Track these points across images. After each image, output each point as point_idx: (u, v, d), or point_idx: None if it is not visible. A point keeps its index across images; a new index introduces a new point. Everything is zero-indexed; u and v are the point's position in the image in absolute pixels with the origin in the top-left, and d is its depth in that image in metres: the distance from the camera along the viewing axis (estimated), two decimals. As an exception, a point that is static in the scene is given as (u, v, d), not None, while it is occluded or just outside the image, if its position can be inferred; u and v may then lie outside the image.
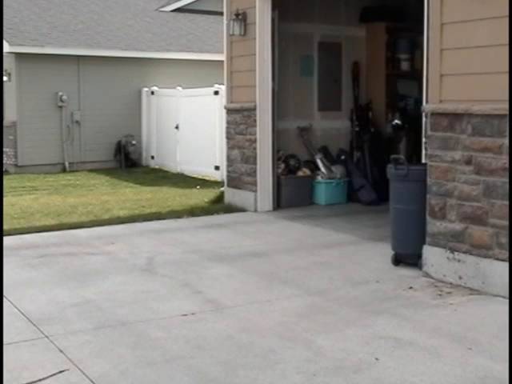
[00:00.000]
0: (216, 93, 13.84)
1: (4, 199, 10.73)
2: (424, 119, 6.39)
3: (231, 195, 10.29)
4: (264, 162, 9.79)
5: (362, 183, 10.53)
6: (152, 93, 16.67)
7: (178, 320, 5.14)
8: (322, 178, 10.40)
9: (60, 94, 15.86)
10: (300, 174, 10.39)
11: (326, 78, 11.02)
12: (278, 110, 9.95)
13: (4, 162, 15.85)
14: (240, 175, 10.12)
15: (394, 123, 11.01)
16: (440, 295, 5.70)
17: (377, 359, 4.33)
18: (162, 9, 20.29)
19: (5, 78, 15.68)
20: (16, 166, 15.65)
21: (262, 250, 7.49)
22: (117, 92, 16.58)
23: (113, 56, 16.44)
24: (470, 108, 5.76)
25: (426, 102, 6.36)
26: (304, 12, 10.69)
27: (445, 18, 5.98)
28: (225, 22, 10.19)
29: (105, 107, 16.43)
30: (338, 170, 10.58)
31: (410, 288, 5.91)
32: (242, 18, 9.73)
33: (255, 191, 9.80)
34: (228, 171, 10.44)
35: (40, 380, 4.07)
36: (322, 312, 5.32)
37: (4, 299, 5.54)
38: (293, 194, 10.10)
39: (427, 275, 6.20)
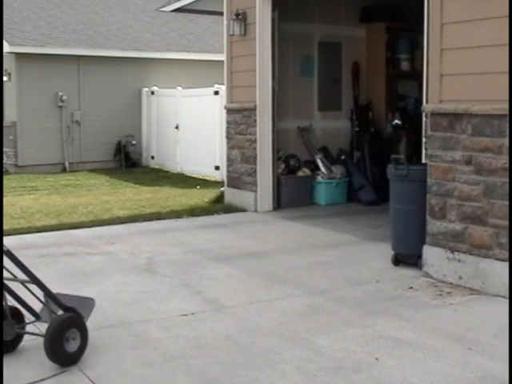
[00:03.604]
0: (216, 93, 13.84)
1: (4, 199, 10.73)
2: (424, 119, 6.39)
3: (231, 195, 10.29)
4: (264, 162, 9.79)
5: (362, 183, 10.53)
6: (152, 93, 16.67)
7: (178, 320, 5.14)
8: (322, 177, 10.40)
9: (60, 93, 15.86)
10: (300, 173, 10.39)
11: (326, 78, 11.02)
12: (278, 110, 9.95)
13: (4, 162, 15.85)
14: (240, 175, 10.12)
15: (394, 123, 11.01)
16: (440, 295, 5.70)
17: (377, 359, 4.33)
18: (162, 9, 20.30)
19: (5, 78, 15.68)
20: (16, 165, 15.66)
21: (261, 250, 7.49)
22: (117, 92, 16.58)
23: (113, 56, 16.44)
24: (470, 108, 5.76)
25: (426, 102, 6.36)
26: (304, 12, 10.69)
27: (445, 18, 5.99)
28: (225, 21, 10.19)
29: (105, 107, 16.43)
30: (338, 170, 10.58)
31: (410, 288, 5.91)
32: (241, 17, 9.73)
33: (255, 191, 9.80)
34: (228, 171, 10.44)
35: (40, 380, 4.07)
36: (322, 312, 5.32)
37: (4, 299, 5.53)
38: (293, 194, 10.10)
39: (427, 275, 6.20)
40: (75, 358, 4.30)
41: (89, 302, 4.66)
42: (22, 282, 4.47)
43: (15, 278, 4.43)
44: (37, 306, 4.60)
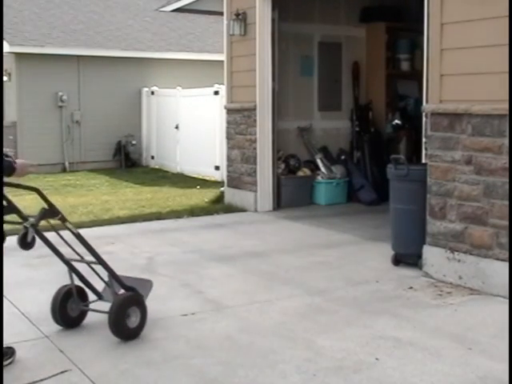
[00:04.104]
0: (216, 93, 13.84)
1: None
2: (424, 119, 6.39)
3: (231, 195, 10.29)
4: (264, 162, 9.79)
5: (362, 183, 10.53)
6: (152, 93, 16.67)
7: (178, 320, 5.14)
8: (322, 177, 10.40)
9: (60, 93, 15.86)
10: (300, 173, 10.39)
11: (326, 78, 11.02)
12: (278, 110, 9.94)
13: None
14: (240, 175, 10.12)
15: (394, 123, 11.00)
16: (440, 295, 5.70)
17: (377, 359, 4.33)
18: (162, 9, 20.29)
19: (5, 78, 15.67)
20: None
21: (261, 249, 7.49)
22: (117, 92, 16.57)
23: (113, 56, 16.43)
24: (470, 108, 5.76)
25: (426, 102, 6.36)
26: (304, 12, 10.69)
27: (445, 18, 5.98)
28: (225, 22, 10.19)
29: (105, 107, 16.42)
30: (338, 170, 10.58)
31: (410, 288, 5.91)
32: (242, 18, 9.73)
33: (255, 191, 9.80)
34: (228, 171, 10.44)
35: (41, 380, 4.07)
36: (322, 312, 5.32)
37: (4, 299, 5.52)
38: (293, 194, 10.10)
39: (427, 275, 6.20)
40: (135, 334, 4.69)
41: (147, 283, 5.08)
42: (88, 263, 4.86)
43: (82, 260, 4.83)
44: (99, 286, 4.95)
